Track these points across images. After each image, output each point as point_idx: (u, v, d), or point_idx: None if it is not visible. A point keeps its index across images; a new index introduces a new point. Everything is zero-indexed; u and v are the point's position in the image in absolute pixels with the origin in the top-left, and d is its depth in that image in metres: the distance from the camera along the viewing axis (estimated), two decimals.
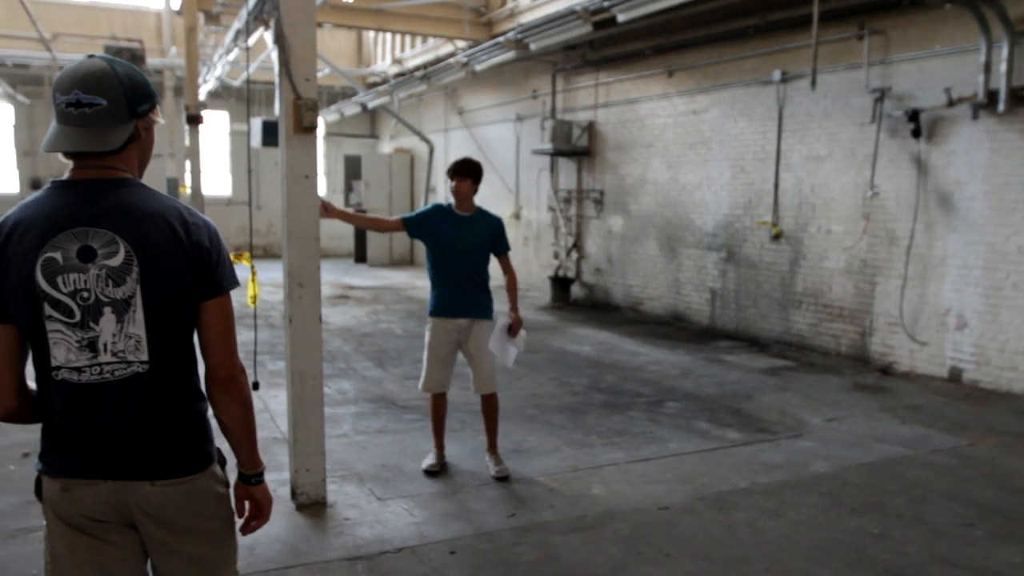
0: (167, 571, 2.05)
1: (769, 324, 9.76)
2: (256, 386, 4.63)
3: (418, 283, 15.49)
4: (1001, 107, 7.21)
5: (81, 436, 1.91)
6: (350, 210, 5.14)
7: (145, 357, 1.89)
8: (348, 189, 19.67)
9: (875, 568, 3.86)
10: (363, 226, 5.44)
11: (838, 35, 8.54)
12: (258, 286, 4.85)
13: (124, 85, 1.87)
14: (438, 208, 5.09)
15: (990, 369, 7.47)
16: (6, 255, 1.83)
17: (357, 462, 5.26)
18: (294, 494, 4.51)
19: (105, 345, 1.86)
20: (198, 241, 1.92)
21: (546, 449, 5.59)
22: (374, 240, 18.87)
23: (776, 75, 9.44)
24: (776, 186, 9.55)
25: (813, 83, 8.15)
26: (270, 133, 11.94)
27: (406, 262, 19.29)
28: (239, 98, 18.36)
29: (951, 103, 7.59)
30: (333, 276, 16.00)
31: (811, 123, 9.18)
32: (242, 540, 4.07)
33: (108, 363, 1.87)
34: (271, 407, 6.40)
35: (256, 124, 12.57)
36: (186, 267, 1.90)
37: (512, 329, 5.01)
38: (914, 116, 7.88)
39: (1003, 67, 7.15)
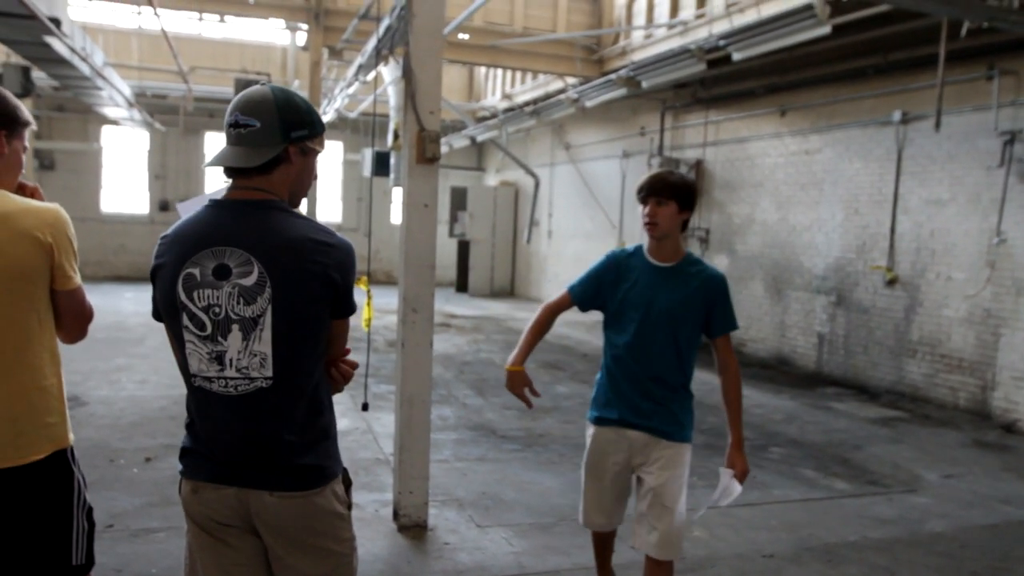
0: None
1: (880, 372, 9.37)
2: (366, 407, 4.80)
3: (518, 314, 15.62)
4: None
5: (210, 441, 2.02)
6: (521, 349, 3.25)
7: (269, 374, 1.95)
8: (453, 220, 20.08)
9: None
10: (540, 336, 3.33)
11: (965, 75, 8.24)
12: (372, 310, 5.03)
13: (280, 110, 1.96)
14: (616, 258, 3.22)
15: None
16: (163, 267, 1.99)
17: (457, 488, 5.33)
18: (396, 515, 4.60)
19: (231, 360, 1.94)
20: (331, 270, 1.98)
21: None
22: (476, 270, 19.19)
23: (896, 116, 9.16)
24: (892, 230, 9.23)
25: (937, 124, 7.92)
26: (382, 163, 12.36)
27: (507, 293, 19.51)
28: (354, 129, 19.10)
29: None
30: (435, 304, 16.28)
31: (932, 166, 8.85)
32: None
33: (233, 378, 1.95)
34: (375, 429, 6.56)
35: (368, 154, 13.04)
36: (318, 294, 1.97)
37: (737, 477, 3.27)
38: None
39: None
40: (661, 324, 3.06)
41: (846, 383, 9.72)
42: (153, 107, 17.84)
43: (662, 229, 3.07)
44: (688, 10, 11.37)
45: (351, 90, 12.73)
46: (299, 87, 16.30)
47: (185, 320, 1.94)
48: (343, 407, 6.90)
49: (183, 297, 1.93)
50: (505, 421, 7.17)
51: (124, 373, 8.21)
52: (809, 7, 7.36)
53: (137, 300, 14.34)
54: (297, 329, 1.96)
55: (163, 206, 18.90)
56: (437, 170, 4.48)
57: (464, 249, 19.60)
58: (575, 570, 4.14)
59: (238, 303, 1.92)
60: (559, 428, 7.02)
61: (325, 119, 15.06)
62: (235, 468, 2.00)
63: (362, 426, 6.60)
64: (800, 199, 10.58)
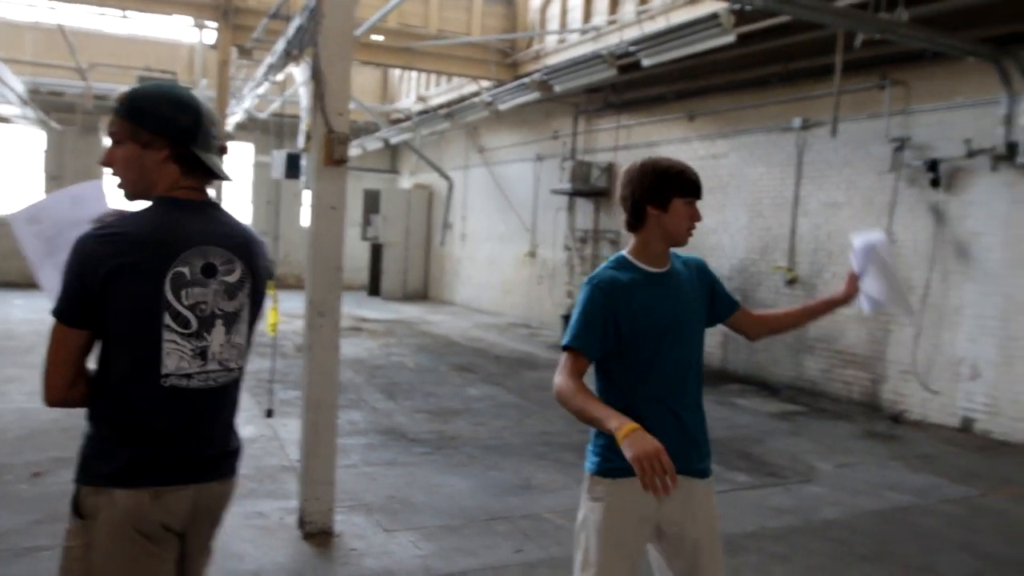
0: (195, 570, 2.15)
1: (781, 369, 9.73)
2: (270, 414, 4.71)
3: (431, 317, 15.58)
4: (1021, 159, 7.26)
5: (182, 439, 1.99)
6: (601, 407, 2.23)
7: (243, 363, 2.12)
8: (366, 222, 19.87)
9: None
10: (589, 392, 2.31)
11: (860, 85, 8.64)
12: (278, 314, 4.94)
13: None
14: (605, 283, 2.42)
15: (1003, 420, 7.41)
16: (134, 267, 1.88)
17: (365, 493, 5.27)
18: (301, 523, 4.52)
19: (213, 354, 2.01)
20: (270, 264, 2.23)
21: (555, 486, 5.58)
22: (389, 273, 19.05)
23: (797, 122, 9.54)
24: (793, 231, 9.60)
25: (834, 131, 8.26)
26: (292, 166, 12.13)
27: (420, 296, 19.42)
28: (264, 131, 18.69)
29: (970, 154, 7.65)
30: (346, 308, 16.02)
31: (830, 170, 9.25)
32: (247, 567, 4.10)
33: (214, 371, 2.01)
34: (281, 435, 6.44)
35: (279, 156, 12.77)
36: (264, 284, 2.17)
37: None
38: (933, 166, 7.94)
39: (1023, 120, 7.21)
40: (691, 339, 2.50)
41: (749, 380, 10.05)
42: (49, 105, 17.02)
43: (686, 230, 2.49)
44: (600, 16, 11.56)
45: (261, 90, 12.44)
46: (206, 87, 15.87)
47: (168, 320, 1.92)
48: (249, 414, 6.75)
49: (170, 296, 1.92)
50: (415, 424, 7.14)
51: (13, 385, 7.82)
52: (715, 16, 7.59)
53: (28, 307, 13.61)
54: (258, 319, 2.17)
55: None
56: (345, 172, 4.43)
57: (377, 252, 19.41)
58: (483, 570, 4.15)
59: (222, 299, 2.01)
60: (470, 430, 7.03)
61: (234, 120, 14.72)
62: (201, 464, 2.03)
63: (268, 433, 6.47)
64: (707, 202, 10.86)
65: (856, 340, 8.88)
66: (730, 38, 7.67)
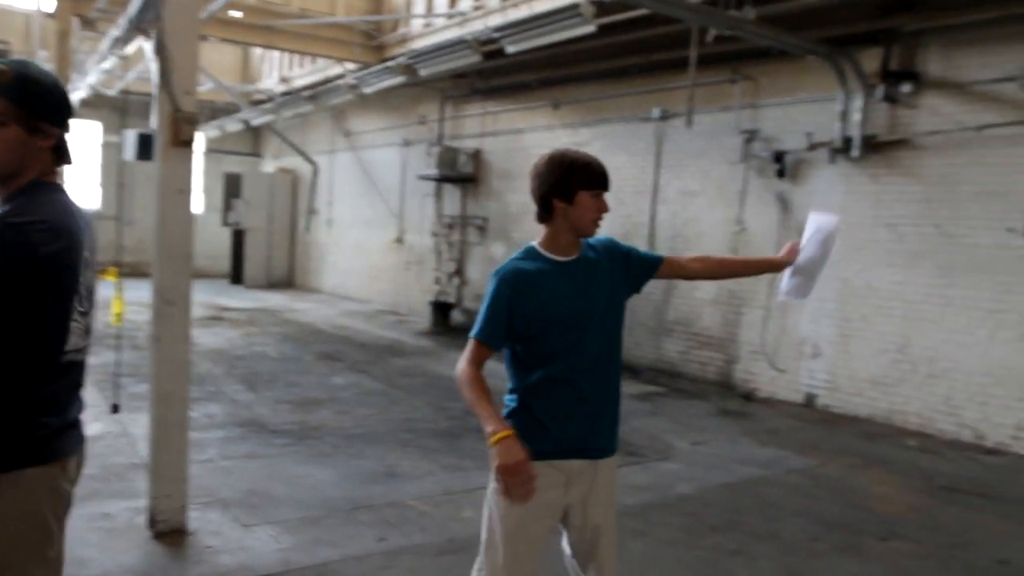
0: None
1: (642, 351, 10.08)
2: (116, 409, 4.43)
3: (297, 305, 15.18)
4: (855, 153, 7.79)
5: (70, 409, 2.12)
6: (487, 408, 2.34)
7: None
8: (227, 207, 19.07)
9: None
10: (485, 389, 2.39)
11: (713, 78, 9.01)
12: (123, 303, 4.67)
13: None
14: (511, 274, 2.48)
15: (840, 395, 7.98)
16: (68, 251, 1.97)
17: (222, 488, 5.08)
18: (152, 522, 4.31)
19: (91, 330, 2.17)
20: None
21: (419, 473, 5.57)
22: (252, 260, 18.38)
23: (655, 113, 9.86)
24: (652, 219, 9.94)
25: (689, 122, 8.59)
26: (145, 146, 11.47)
27: (285, 284, 18.86)
28: (113, 108, 17.57)
29: (811, 147, 8.15)
30: (206, 296, 15.43)
31: (686, 160, 9.62)
32: (91, 572, 3.86)
33: (90, 345, 2.17)
34: (131, 431, 6.10)
35: (131, 136, 12.04)
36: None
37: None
38: (779, 157, 8.40)
39: (857, 116, 7.74)
40: (602, 324, 2.52)
41: None
42: None
43: (594, 221, 2.54)
44: (466, 1, 11.52)
45: (107, 65, 11.67)
46: (45, 59, 14.74)
47: (76, 301, 2.04)
48: (96, 410, 6.34)
49: (81, 279, 2.04)
50: (277, 415, 6.94)
51: None
52: (575, 6, 7.71)
53: None
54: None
55: None
56: (192, 154, 4.22)
57: (239, 238, 18.65)
58: (344, 561, 4.09)
59: (94, 278, 2.16)
60: (334, 419, 6.90)
61: (77, 95, 13.75)
62: (80, 431, 2.17)
63: (116, 429, 6.11)
64: None
65: (711, 323, 9.31)
66: (590, 28, 7.82)
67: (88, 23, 11.85)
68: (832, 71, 7.82)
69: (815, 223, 2.94)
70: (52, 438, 2.01)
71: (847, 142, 7.85)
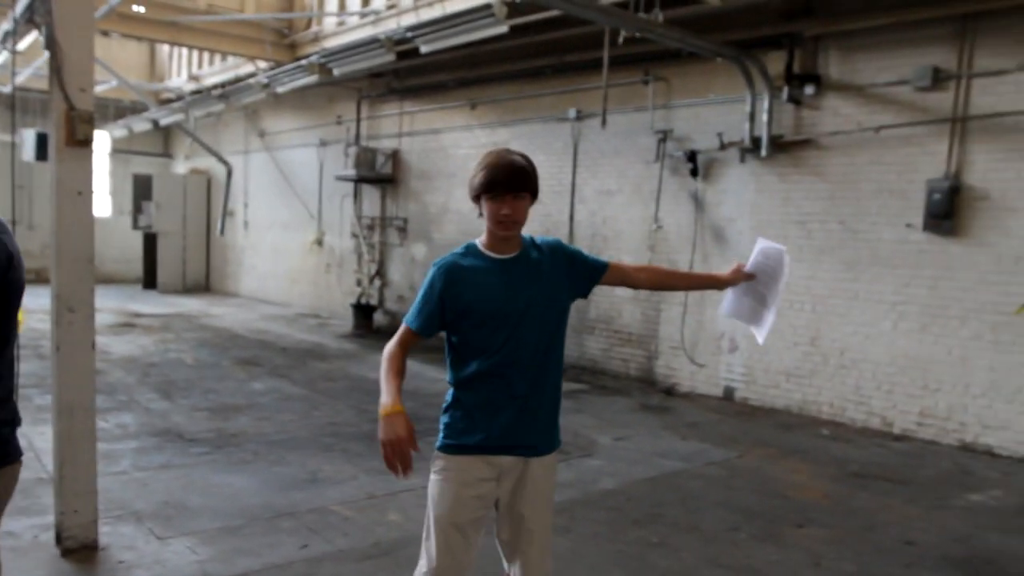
0: None
1: (566, 349, 10.15)
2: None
3: (213, 310, 14.76)
4: (763, 152, 8.04)
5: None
6: (391, 389, 2.45)
7: None
8: (137, 210, 18.39)
9: (654, 575, 4.12)
10: (400, 373, 2.53)
11: (627, 79, 9.16)
12: (23, 312, 4.44)
13: None
14: (447, 267, 2.58)
15: (757, 388, 8.23)
16: (13, 259, 2.26)
17: (136, 500, 4.90)
18: (59, 539, 4.12)
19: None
20: None
21: (342, 478, 5.48)
22: (165, 265, 17.77)
23: (571, 113, 9.96)
24: (572, 218, 10.04)
25: (603, 122, 8.70)
26: (43, 146, 10.96)
27: (201, 288, 18.32)
28: (8, 106, 16.72)
29: (723, 147, 8.37)
30: (117, 302, 14.87)
31: (603, 159, 9.76)
32: None
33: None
34: (37, 445, 5.82)
35: (29, 136, 11.48)
36: None
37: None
38: (692, 157, 8.60)
39: (764, 117, 7.99)
40: (539, 322, 2.56)
41: None
42: None
43: (520, 226, 2.56)
44: (379, 0, 11.41)
45: None
46: None
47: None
48: None
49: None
50: (193, 423, 6.73)
51: None
52: (488, 7, 7.73)
53: None
54: None
55: None
56: (91, 154, 4.05)
57: (151, 242, 18.00)
58: (265, 570, 4.00)
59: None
60: (253, 426, 6.74)
61: None
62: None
63: (22, 443, 5.81)
64: None
65: (632, 320, 9.46)
66: (503, 28, 7.86)
67: None
68: (739, 73, 8.05)
69: (760, 247, 2.97)
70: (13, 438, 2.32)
71: (756, 142, 8.10)
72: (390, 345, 2.58)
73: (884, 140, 7.34)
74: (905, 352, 7.24)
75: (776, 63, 7.98)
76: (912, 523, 5.03)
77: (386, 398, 2.41)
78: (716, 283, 3.05)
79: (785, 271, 2.96)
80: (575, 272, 2.70)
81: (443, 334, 2.65)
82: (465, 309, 2.53)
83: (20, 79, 14.09)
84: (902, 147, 7.25)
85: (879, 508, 5.28)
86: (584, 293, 2.75)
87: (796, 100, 7.88)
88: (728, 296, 3.04)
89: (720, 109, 8.55)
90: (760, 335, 3.04)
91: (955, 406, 6.94)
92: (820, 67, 7.81)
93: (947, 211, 6.86)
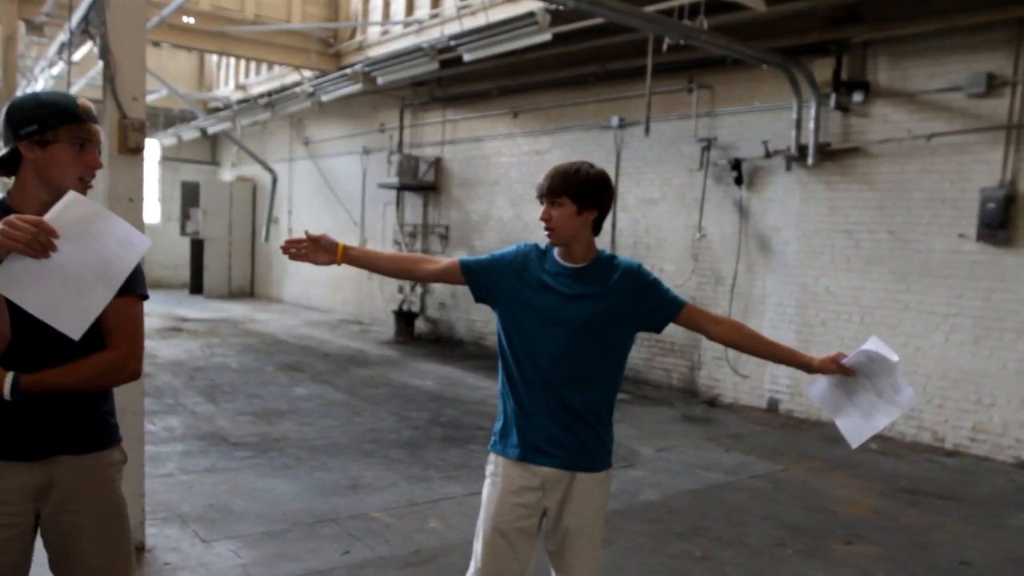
0: None
1: None
2: None
3: (258, 315, 14.97)
4: (810, 160, 7.90)
5: None
6: (366, 247, 2.47)
7: None
8: (185, 217, 18.77)
9: None
10: (389, 271, 2.87)
11: (670, 87, 9.10)
12: None
13: (6, 115, 2.08)
14: (526, 250, 2.67)
15: (803, 400, 8.07)
16: None
17: (182, 503, 4.97)
18: None
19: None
20: None
21: (383, 484, 5.50)
22: (211, 270, 18.08)
23: (614, 121, 9.92)
24: (614, 226, 9.98)
25: (647, 130, 8.66)
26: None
27: (246, 294, 18.60)
28: None
29: (768, 155, 8.25)
30: (165, 307, 15.16)
31: (646, 167, 9.69)
32: None
33: None
34: None
35: None
36: None
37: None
38: (736, 165, 8.50)
39: (811, 125, 7.86)
40: (580, 336, 2.50)
41: None
42: None
43: (560, 235, 2.51)
44: (423, 9, 11.49)
45: (55, 71, 11.43)
46: None
47: None
48: None
49: None
50: (238, 428, 6.81)
51: None
52: (531, 15, 7.73)
53: None
54: None
55: None
56: (142, 161, 4.13)
57: (198, 248, 18.36)
58: (308, 575, 4.02)
59: None
60: (296, 431, 6.80)
61: None
62: None
63: None
64: (532, 197, 10.95)
65: (674, 329, 9.26)
66: (546, 36, 7.85)
67: (34, 28, 11.58)
68: (786, 80, 7.94)
69: (868, 348, 2.53)
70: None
71: (802, 150, 7.97)
72: (422, 255, 2.77)
73: (936, 148, 7.17)
74: (958, 365, 7.05)
75: (823, 70, 7.85)
76: (966, 542, 4.88)
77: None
78: (803, 365, 2.65)
79: (897, 395, 2.51)
80: (646, 301, 2.58)
81: (500, 341, 2.62)
82: (514, 301, 2.56)
83: (74, 89, 14.50)
84: (955, 155, 7.07)
85: (931, 526, 5.14)
86: (655, 327, 2.63)
87: (844, 107, 7.75)
88: (818, 380, 2.67)
89: (765, 117, 8.43)
90: (852, 440, 2.61)
91: (1010, 422, 6.73)
92: (869, 74, 7.67)
93: (1002, 221, 6.67)
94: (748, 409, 8.45)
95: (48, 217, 1.86)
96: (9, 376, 1.97)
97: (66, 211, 1.89)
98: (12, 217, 1.83)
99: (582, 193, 2.48)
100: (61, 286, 1.88)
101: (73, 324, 1.90)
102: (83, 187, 2.12)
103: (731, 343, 2.70)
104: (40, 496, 2.14)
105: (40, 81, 12.42)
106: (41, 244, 1.82)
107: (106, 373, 2.14)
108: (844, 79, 7.74)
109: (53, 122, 2.05)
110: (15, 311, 1.93)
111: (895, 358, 2.49)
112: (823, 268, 7.98)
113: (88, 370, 2.10)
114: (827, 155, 7.89)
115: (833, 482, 6.00)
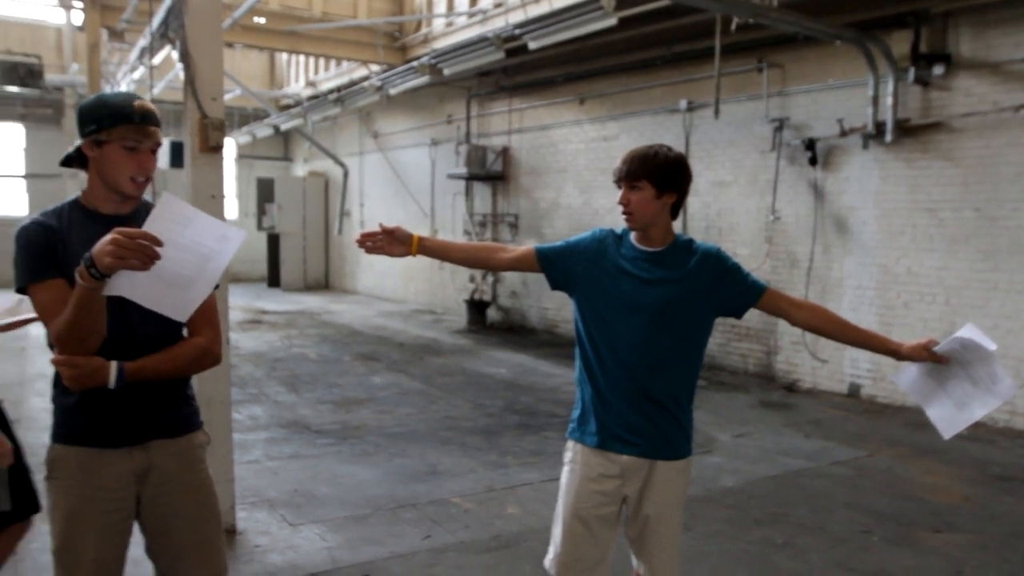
0: None
1: None
2: None
3: (333, 307, 15.30)
4: (888, 138, 7.65)
5: None
6: (438, 237, 2.43)
7: None
8: (261, 212, 19.30)
9: None
10: (463, 261, 2.85)
11: (739, 67, 8.92)
12: None
13: (78, 112, 2.20)
14: (603, 235, 2.65)
15: (885, 384, 7.85)
16: None
17: (268, 488, 5.14)
18: None
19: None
20: None
21: (461, 471, 5.58)
22: (287, 264, 18.56)
23: (683, 104, 9.78)
24: (685, 211, 9.85)
25: (716, 112, 8.52)
26: (177, 154, 11.62)
27: (321, 286, 19.04)
28: None
29: (843, 133, 8.02)
30: (245, 300, 15.64)
31: (716, 150, 9.54)
32: (140, 572, 3.92)
33: None
34: None
35: (164, 145, 12.22)
36: None
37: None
38: (810, 145, 8.29)
39: (889, 100, 7.60)
40: (654, 322, 2.48)
41: None
42: None
43: (639, 220, 2.49)
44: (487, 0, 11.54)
45: (136, 75, 11.87)
46: (77, 71, 15.02)
47: None
48: None
49: None
50: (319, 416, 7.00)
51: None
52: (596, 0, 7.67)
53: None
54: None
55: None
56: (223, 159, 4.27)
57: (274, 242, 18.88)
58: (390, 559, 4.12)
59: None
60: (374, 419, 6.95)
61: None
62: None
63: None
64: (601, 183, 11.05)
65: (750, 314, 9.10)
66: (612, 21, 7.77)
67: (116, 34, 12.06)
68: (861, 55, 7.69)
69: (963, 335, 2.43)
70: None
71: (880, 127, 7.72)
72: (497, 243, 2.77)
73: None
74: None
75: (901, 43, 7.58)
76: None
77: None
78: (890, 351, 2.53)
79: (995, 385, 2.42)
80: (724, 286, 2.54)
81: (577, 328, 2.62)
82: (591, 285, 2.55)
83: (155, 91, 15.03)
84: None
85: None
86: (735, 312, 2.59)
87: (924, 81, 7.47)
88: (908, 367, 2.56)
89: (839, 94, 8.20)
90: (945, 431, 2.50)
91: None
92: (950, 45, 7.37)
93: None
94: (828, 394, 8.26)
95: (149, 226, 1.91)
96: (114, 365, 2.07)
97: (163, 215, 1.95)
98: (117, 234, 1.85)
99: (661, 176, 2.46)
100: (167, 286, 1.99)
101: (179, 312, 2.07)
102: (136, 187, 2.18)
103: (814, 328, 2.62)
104: (141, 480, 2.25)
105: (122, 86, 12.91)
106: (148, 256, 1.88)
107: (197, 358, 2.27)
108: (923, 52, 7.46)
109: (109, 123, 2.12)
110: (109, 309, 2.02)
111: (993, 347, 2.39)
112: (904, 248, 7.73)
113: (182, 356, 2.24)
114: (906, 131, 7.63)
115: (920, 469, 5.83)
